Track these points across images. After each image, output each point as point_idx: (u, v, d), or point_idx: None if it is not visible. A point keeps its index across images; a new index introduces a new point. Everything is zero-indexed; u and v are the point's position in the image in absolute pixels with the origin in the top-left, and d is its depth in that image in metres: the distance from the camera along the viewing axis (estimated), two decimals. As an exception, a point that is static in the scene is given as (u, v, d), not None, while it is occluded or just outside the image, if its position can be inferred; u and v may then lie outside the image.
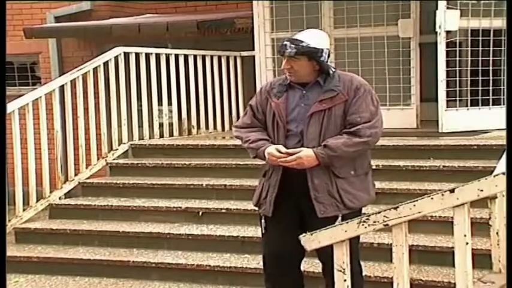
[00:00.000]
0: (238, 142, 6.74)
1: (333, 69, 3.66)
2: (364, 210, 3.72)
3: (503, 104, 6.35)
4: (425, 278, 4.35)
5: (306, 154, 3.49)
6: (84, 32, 9.18)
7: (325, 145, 3.49)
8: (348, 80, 3.63)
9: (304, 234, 3.16)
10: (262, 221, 3.74)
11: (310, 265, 4.48)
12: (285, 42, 3.60)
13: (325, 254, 3.32)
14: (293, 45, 3.56)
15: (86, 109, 6.50)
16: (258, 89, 3.90)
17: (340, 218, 3.51)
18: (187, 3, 9.54)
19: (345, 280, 3.08)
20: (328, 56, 3.64)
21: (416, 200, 2.98)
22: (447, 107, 6.48)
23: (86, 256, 5.36)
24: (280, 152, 3.54)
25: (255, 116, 3.78)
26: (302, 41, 3.57)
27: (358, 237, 3.57)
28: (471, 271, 2.97)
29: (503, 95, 6.49)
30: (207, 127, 7.72)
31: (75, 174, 6.40)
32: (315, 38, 3.63)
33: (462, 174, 5.09)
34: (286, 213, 3.65)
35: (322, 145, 3.49)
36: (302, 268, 3.91)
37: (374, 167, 5.17)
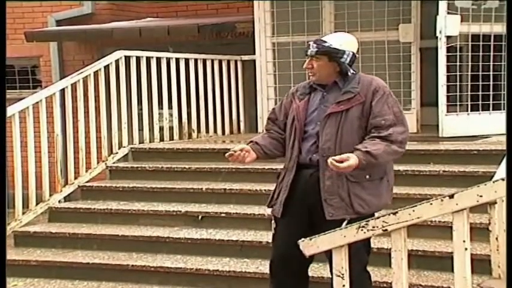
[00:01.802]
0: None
1: (353, 72, 3.65)
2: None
3: (504, 109, 6.34)
4: (425, 283, 4.34)
5: (356, 162, 3.40)
6: (85, 35, 9.19)
7: (367, 151, 3.42)
8: (367, 82, 3.63)
9: (303, 239, 3.16)
10: (273, 221, 3.74)
11: (310, 269, 4.46)
12: (310, 42, 3.66)
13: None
14: (315, 45, 3.61)
15: (87, 112, 6.51)
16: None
17: (346, 222, 3.48)
18: (188, 7, 9.54)
19: (343, 286, 3.07)
20: (352, 60, 3.64)
21: (415, 206, 2.97)
22: (447, 111, 6.48)
23: (85, 260, 5.35)
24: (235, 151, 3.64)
25: (275, 120, 3.82)
26: (325, 41, 3.63)
27: (368, 242, 3.57)
28: (470, 276, 2.96)
29: (504, 100, 6.49)
30: (207, 131, 7.72)
31: (75, 178, 6.41)
32: (339, 39, 3.67)
33: (462, 179, 5.09)
34: (296, 215, 3.64)
35: (364, 151, 3.42)
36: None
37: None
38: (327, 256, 3.49)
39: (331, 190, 3.54)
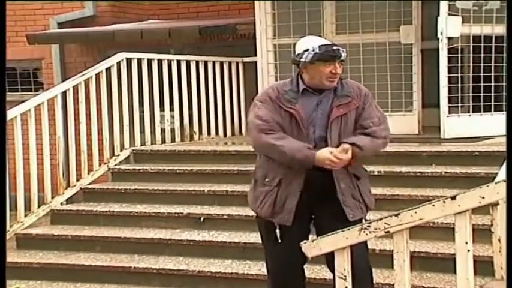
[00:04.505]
0: (239, 148, 6.75)
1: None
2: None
3: (505, 110, 6.34)
4: (427, 284, 4.34)
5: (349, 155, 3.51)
6: (86, 37, 9.21)
7: (353, 143, 3.51)
8: (355, 87, 3.72)
9: (305, 241, 3.16)
10: (277, 230, 3.63)
11: (312, 271, 4.47)
12: (337, 47, 3.61)
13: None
14: (343, 49, 3.64)
15: (88, 115, 6.51)
16: (261, 97, 3.71)
17: (363, 221, 3.56)
18: (190, 9, 9.56)
19: (346, 287, 3.07)
20: None
21: (418, 207, 2.97)
22: (449, 113, 6.48)
23: (87, 262, 5.35)
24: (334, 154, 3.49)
25: (269, 122, 3.61)
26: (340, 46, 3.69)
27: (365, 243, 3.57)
28: (473, 278, 2.97)
29: (505, 101, 6.48)
30: (208, 133, 7.73)
31: (77, 180, 6.41)
32: None
33: (464, 181, 5.10)
34: (302, 219, 3.63)
35: (350, 143, 3.50)
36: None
37: (376, 173, 5.18)
38: (326, 257, 3.50)
39: (346, 192, 3.60)
